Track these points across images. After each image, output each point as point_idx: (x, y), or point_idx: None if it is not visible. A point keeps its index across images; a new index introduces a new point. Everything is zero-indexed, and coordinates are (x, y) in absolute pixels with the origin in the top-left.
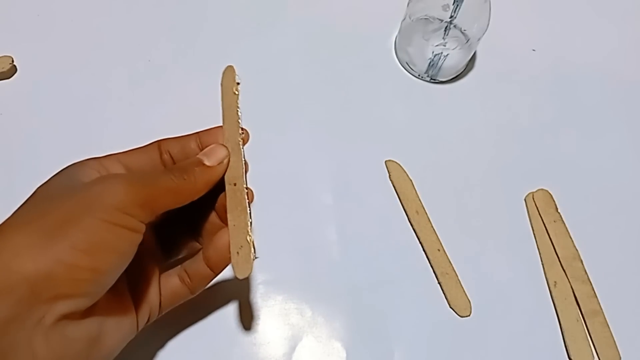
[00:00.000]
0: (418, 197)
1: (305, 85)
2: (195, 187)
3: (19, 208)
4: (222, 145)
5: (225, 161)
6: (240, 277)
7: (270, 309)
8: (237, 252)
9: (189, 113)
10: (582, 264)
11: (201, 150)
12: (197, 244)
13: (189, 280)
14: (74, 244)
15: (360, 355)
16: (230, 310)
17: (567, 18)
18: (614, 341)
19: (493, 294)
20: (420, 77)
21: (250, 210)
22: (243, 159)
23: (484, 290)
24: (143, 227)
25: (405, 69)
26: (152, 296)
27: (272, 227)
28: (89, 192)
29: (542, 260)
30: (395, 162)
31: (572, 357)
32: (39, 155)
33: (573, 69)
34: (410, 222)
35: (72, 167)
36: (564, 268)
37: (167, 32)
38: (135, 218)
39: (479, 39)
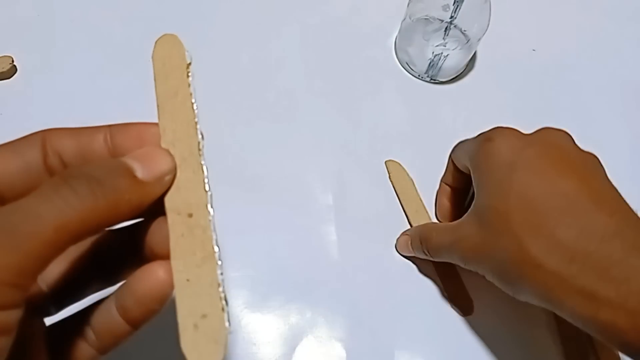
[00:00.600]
0: (418, 197)
1: (305, 85)
2: (114, 213)
3: None
4: (165, 150)
5: (168, 178)
6: None
7: (270, 309)
8: (195, 325)
9: None
10: None
11: (112, 155)
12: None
13: (94, 339)
14: None
15: (360, 355)
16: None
17: (567, 18)
18: None
19: (494, 294)
20: (420, 77)
21: (219, 257)
22: (205, 176)
23: (484, 290)
24: (18, 316)
25: (405, 69)
26: None
27: (272, 227)
28: None
29: None
30: (395, 162)
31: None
32: None
33: (573, 69)
34: (410, 222)
35: None
36: None
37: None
38: (2, 307)
39: (479, 39)
